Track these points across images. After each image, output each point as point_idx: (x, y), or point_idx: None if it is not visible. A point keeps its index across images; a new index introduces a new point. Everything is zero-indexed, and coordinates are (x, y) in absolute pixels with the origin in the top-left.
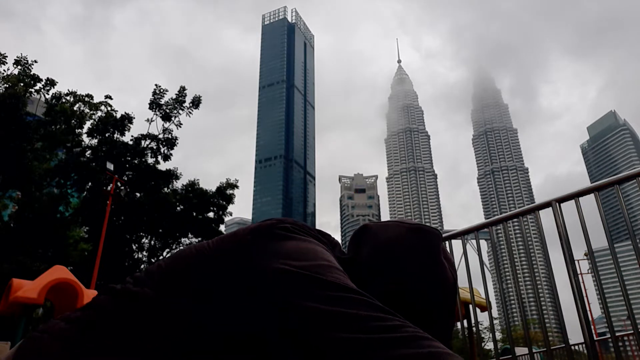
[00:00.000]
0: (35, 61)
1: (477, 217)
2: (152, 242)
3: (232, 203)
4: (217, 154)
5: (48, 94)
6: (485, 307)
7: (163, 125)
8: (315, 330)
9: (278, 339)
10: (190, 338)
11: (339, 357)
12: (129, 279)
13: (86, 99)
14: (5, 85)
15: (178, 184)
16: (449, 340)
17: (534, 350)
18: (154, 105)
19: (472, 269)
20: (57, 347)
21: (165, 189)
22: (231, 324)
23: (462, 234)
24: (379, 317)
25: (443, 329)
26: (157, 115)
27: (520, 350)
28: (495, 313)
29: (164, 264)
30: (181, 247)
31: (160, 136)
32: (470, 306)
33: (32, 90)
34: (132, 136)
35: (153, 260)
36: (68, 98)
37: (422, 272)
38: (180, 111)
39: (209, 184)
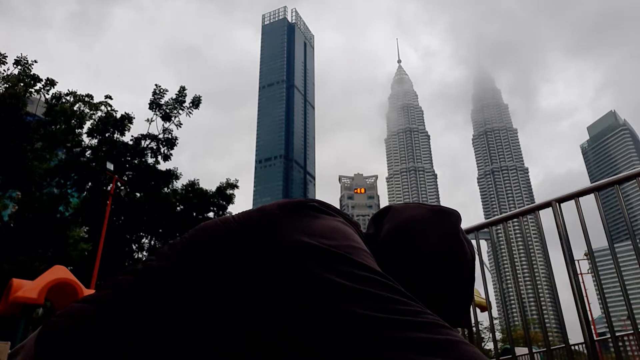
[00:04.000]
0: (35, 61)
1: (477, 217)
2: (152, 242)
3: (232, 203)
4: (224, 154)
5: (48, 94)
6: (485, 307)
7: (163, 125)
8: (334, 303)
9: (294, 314)
10: (209, 313)
11: (354, 332)
12: (151, 255)
13: (86, 99)
14: (5, 85)
15: (178, 184)
16: (468, 315)
17: (534, 350)
18: (154, 105)
19: None
20: (77, 328)
21: (165, 189)
22: (251, 299)
23: None
24: (400, 301)
25: (462, 303)
26: (157, 115)
27: (520, 350)
28: (495, 313)
29: (187, 235)
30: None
31: (160, 136)
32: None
33: (32, 90)
34: (132, 136)
35: None
36: (68, 98)
37: (442, 248)
38: (180, 111)
39: (216, 184)
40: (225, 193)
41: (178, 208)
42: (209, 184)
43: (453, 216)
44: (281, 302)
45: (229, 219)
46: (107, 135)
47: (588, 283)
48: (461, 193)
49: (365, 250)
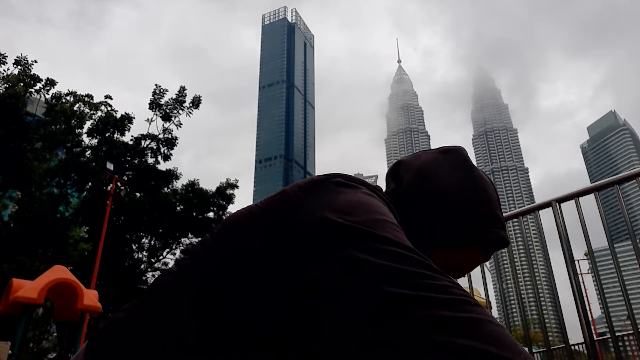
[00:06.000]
0: (35, 61)
1: None
2: (152, 242)
3: (232, 203)
4: (227, 153)
5: (48, 94)
6: (485, 307)
7: (163, 125)
8: (357, 280)
9: (314, 292)
10: (240, 300)
11: (373, 309)
12: (184, 254)
13: (86, 99)
14: (5, 85)
15: (178, 184)
16: (504, 229)
17: (534, 350)
18: (154, 105)
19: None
20: (122, 337)
21: (165, 189)
22: (275, 286)
23: None
24: (426, 275)
25: (496, 223)
26: (157, 115)
27: None
28: (495, 313)
29: (216, 229)
30: (182, 247)
31: (160, 136)
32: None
33: (32, 90)
34: (132, 136)
35: (153, 260)
36: (68, 98)
37: (463, 178)
38: (180, 111)
39: (219, 184)
40: (225, 193)
41: (178, 208)
42: (213, 184)
43: (460, 150)
44: (305, 278)
45: (253, 206)
46: (107, 135)
47: (588, 283)
48: None
49: (390, 222)
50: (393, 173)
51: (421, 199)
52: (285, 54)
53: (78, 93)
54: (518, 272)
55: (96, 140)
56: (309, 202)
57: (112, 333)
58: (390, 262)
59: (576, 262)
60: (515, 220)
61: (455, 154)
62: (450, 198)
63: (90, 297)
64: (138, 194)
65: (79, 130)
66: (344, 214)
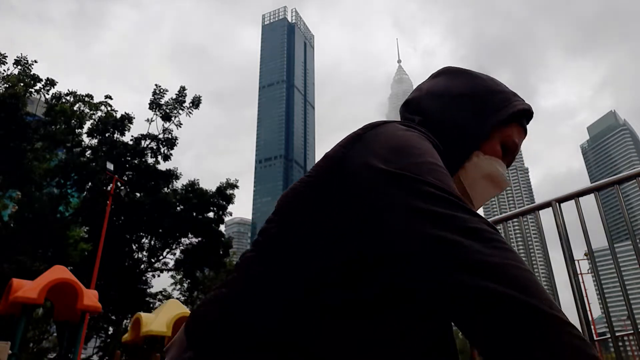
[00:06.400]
0: (35, 61)
1: None
2: (152, 242)
3: (232, 203)
4: (229, 153)
5: (48, 94)
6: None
7: (163, 125)
8: (398, 224)
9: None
10: (308, 267)
11: (411, 248)
12: (259, 234)
13: (86, 99)
14: (5, 85)
15: (178, 184)
16: (523, 101)
17: None
18: (154, 105)
19: None
20: (216, 311)
21: (165, 189)
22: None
23: None
24: (462, 219)
25: (518, 98)
26: (157, 115)
27: None
28: None
29: (277, 204)
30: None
31: (160, 136)
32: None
33: (32, 90)
34: (132, 136)
35: (153, 260)
36: (68, 98)
37: (471, 78)
38: (180, 111)
39: (219, 183)
40: (225, 193)
41: (178, 208)
42: (213, 184)
43: (449, 67)
44: (356, 228)
45: (303, 177)
46: (107, 135)
47: (588, 283)
48: None
49: (437, 164)
50: (409, 109)
51: (450, 111)
52: (285, 54)
53: (78, 93)
54: None
55: (96, 140)
56: (352, 154)
57: (206, 308)
58: (429, 204)
59: (576, 262)
60: (515, 220)
61: (446, 70)
62: (472, 94)
63: (90, 297)
64: (138, 194)
65: (79, 130)
66: (387, 160)
